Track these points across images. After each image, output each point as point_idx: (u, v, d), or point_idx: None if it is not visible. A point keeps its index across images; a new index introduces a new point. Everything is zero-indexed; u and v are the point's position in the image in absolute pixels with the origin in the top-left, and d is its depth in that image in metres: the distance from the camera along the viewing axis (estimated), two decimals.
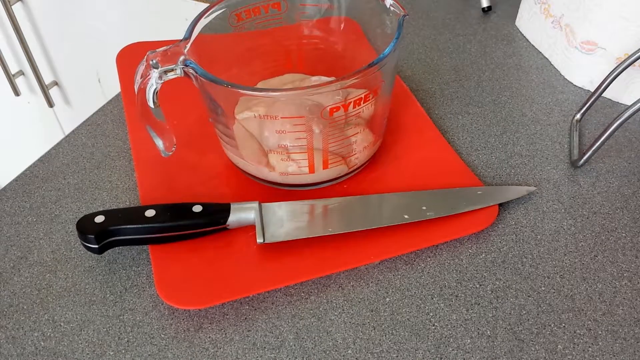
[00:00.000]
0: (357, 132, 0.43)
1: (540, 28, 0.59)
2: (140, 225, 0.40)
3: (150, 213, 0.40)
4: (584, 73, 0.54)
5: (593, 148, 0.45)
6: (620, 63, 0.48)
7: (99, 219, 0.39)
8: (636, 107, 0.42)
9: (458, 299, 0.39)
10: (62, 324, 0.38)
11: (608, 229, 0.43)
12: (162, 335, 0.37)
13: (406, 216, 0.42)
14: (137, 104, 0.41)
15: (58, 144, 0.51)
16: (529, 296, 0.39)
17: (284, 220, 0.41)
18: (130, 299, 0.39)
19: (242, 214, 0.41)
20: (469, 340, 0.37)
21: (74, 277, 0.41)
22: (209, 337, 0.37)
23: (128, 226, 0.39)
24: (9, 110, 1.15)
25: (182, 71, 0.40)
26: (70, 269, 0.41)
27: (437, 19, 0.65)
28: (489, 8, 0.65)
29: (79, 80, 1.04)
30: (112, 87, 0.97)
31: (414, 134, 0.49)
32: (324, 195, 0.44)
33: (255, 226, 0.41)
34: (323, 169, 0.43)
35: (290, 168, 0.43)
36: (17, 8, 0.95)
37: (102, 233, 0.39)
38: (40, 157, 0.50)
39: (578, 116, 0.51)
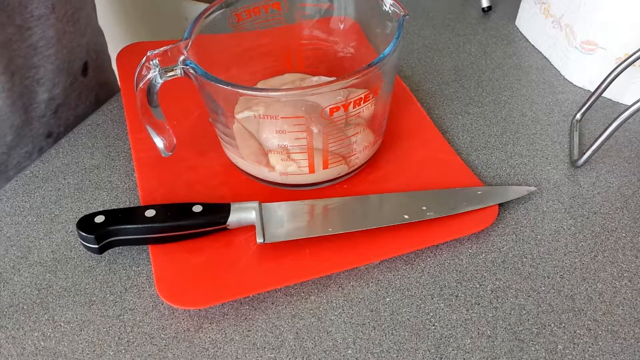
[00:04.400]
0: (357, 132, 0.43)
1: (540, 28, 0.59)
2: (140, 225, 0.40)
3: (150, 213, 0.40)
4: (584, 73, 0.54)
5: (593, 148, 0.45)
6: (620, 63, 0.48)
7: (99, 219, 0.39)
8: (636, 107, 0.42)
9: (458, 299, 0.39)
10: (62, 324, 0.38)
11: (608, 229, 0.43)
12: (162, 335, 0.37)
13: (406, 216, 0.42)
14: (137, 104, 0.41)
15: (58, 143, 0.51)
16: (529, 296, 0.39)
17: (284, 220, 0.41)
18: (130, 299, 0.39)
19: (242, 214, 0.41)
20: (469, 340, 0.37)
21: (74, 277, 0.41)
22: (209, 337, 0.37)
23: (128, 226, 0.39)
24: None
25: (182, 71, 0.40)
26: (70, 269, 0.41)
27: (437, 19, 0.65)
28: (489, 8, 0.65)
29: None
30: None
31: (414, 134, 0.49)
32: (324, 195, 0.44)
33: (255, 226, 0.41)
34: (323, 169, 0.43)
35: (290, 168, 0.43)
36: None
37: (102, 233, 0.39)
38: (40, 157, 0.50)
39: (578, 116, 0.51)
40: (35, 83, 0.50)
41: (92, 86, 0.59)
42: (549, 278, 0.40)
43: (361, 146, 0.44)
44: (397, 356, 0.36)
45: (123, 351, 0.37)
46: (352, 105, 0.41)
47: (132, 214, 0.40)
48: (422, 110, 0.52)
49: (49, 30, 0.49)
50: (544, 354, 0.36)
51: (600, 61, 0.52)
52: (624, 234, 0.43)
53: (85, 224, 0.39)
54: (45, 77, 0.51)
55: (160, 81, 0.40)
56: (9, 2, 0.46)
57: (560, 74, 0.57)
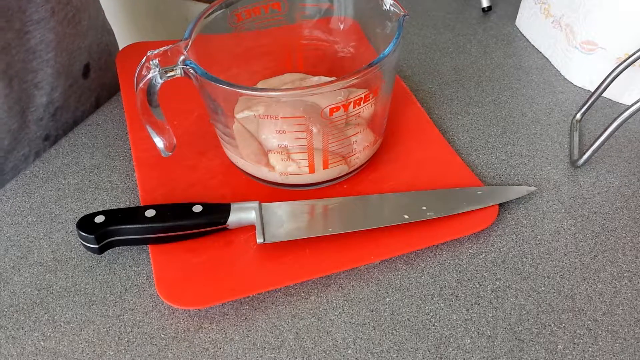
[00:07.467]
0: (357, 132, 0.43)
1: (540, 28, 0.59)
2: (140, 225, 0.40)
3: (150, 213, 0.40)
4: (584, 73, 0.54)
5: (593, 148, 0.45)
6: (620, 63, 0.48)
7: (99, 219, 0.39)
8: (636, 107, 0.42)
9: (458, 299, 0.39)
10: (62, 324, 0.38)
11: (608, 229, 0.43)
12: (162, 335, 0.37)
13: (406, 216, 0.42)
14: (137, 104, 0.41)
15: (58, 144, 0.51)
16: (529, 296, 0.39)
17: (284, 220, 0.41)
18: (130, 299, 0.39)
19: (242, 214, 0.41)
20: (469, 340, 0.37)
21: (74, 277, 0.41)
22: (209, 337, 0.37)
23: (128, 226, 0.39)
24: None
25: (182, 71, 0.40)
26: (70, 269, 0.41)
27: (437, 19, 0.65)
28: (489, 8, 0.65)
29: None
30: None
31: (414, 134, 0.49)
32: (324, 195, 0.44)
33: (255, 226, 0.41)
34: (323, 168, 0.43)
35: (290, 168, 0.43)
36: None
37: (102, 233, 0.39)
38: (40, 157, 0.50)
39: (578, 116, 0.51)
40: (34, 87, 0.50)
41: (93, 88, 0.58)
42: (549, 278, 0.40)
43: (361, 146, 0.44)
44: (397, 356, 0.36)
45: (123, 351, 0.37)
46: (352, 105, 0.41)
47: (132, 214, 0.40)
48: (422, 110, 0.52)
49: (49, 34, 0.49)
50: (544, 354, 0.36)
51: (600, 61, 0.52)
52: (624, 234, 0.43)
53: (85, 224, 0.39)
54: (44, 80, 0.50)
55: (160, 81, 0.40)
56: (8, 6, 0.46)
57: (560, 74, 0.57)
